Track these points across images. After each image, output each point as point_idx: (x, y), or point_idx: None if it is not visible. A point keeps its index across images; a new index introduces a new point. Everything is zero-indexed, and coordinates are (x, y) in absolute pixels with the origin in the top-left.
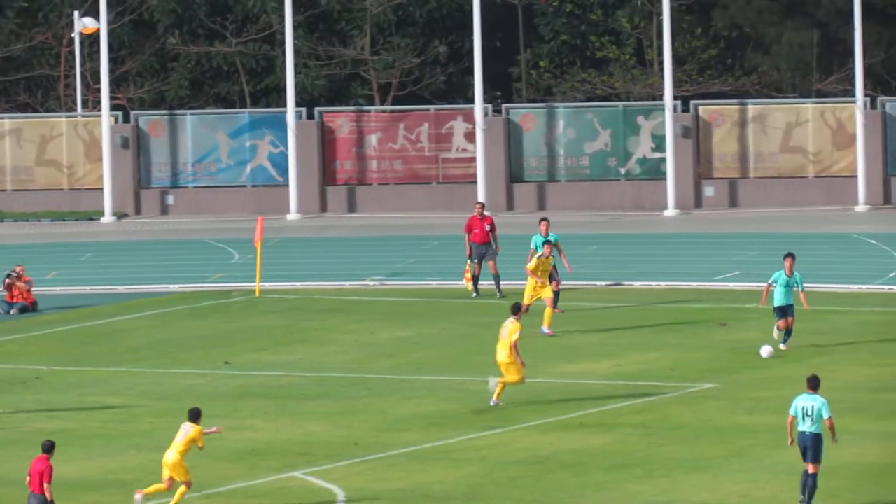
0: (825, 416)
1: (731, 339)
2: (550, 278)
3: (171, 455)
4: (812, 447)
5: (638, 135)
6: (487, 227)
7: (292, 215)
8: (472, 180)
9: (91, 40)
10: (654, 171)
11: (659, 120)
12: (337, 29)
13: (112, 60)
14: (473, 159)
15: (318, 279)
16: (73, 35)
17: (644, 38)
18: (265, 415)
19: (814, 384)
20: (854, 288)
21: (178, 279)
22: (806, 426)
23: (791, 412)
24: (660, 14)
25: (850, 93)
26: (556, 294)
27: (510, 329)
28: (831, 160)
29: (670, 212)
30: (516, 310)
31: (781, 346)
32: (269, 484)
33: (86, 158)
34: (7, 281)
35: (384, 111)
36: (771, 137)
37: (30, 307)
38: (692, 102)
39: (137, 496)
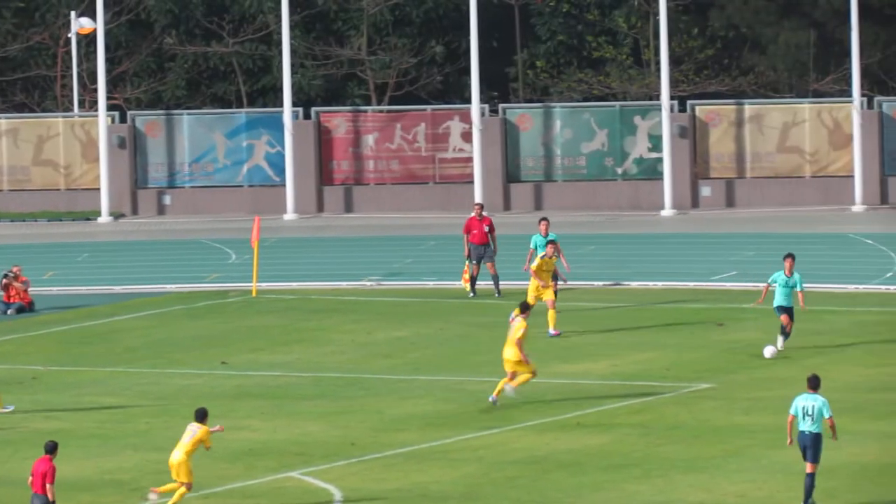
0: (826, 415)
1: (728, 339)
2: (554, 278)
3: (178, 455)
4: (812, 447)
5: (635, 135)
6: (486, 229)
7: (289, 215)
8: (469, 180)
9: (88, 40)
10: (650, 172)
11: (656, 120)
12: (333, 29)
13: (109, 60)
14: (470, 159)
15: (314, 279)
16: (69, 35)
17: (641, 38)
18: (262, 415)
19: (814, 384)
20: (851, 288)
21: (175, 279)
22: (806, 426)
23: (791, 412)
24: (656, 14)
25: (846, 93)
26: (555, 294)
27: (515, 327)
28: (828, 160)
29: (667, 212)
30: (524, 308)
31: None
32: (266, 484)
33: (82, 158)
34: (4, 281)
35: (381, 111)
36: (768, 137)
37: (27, 307)
38: (689, 102)
39: (152, 495)
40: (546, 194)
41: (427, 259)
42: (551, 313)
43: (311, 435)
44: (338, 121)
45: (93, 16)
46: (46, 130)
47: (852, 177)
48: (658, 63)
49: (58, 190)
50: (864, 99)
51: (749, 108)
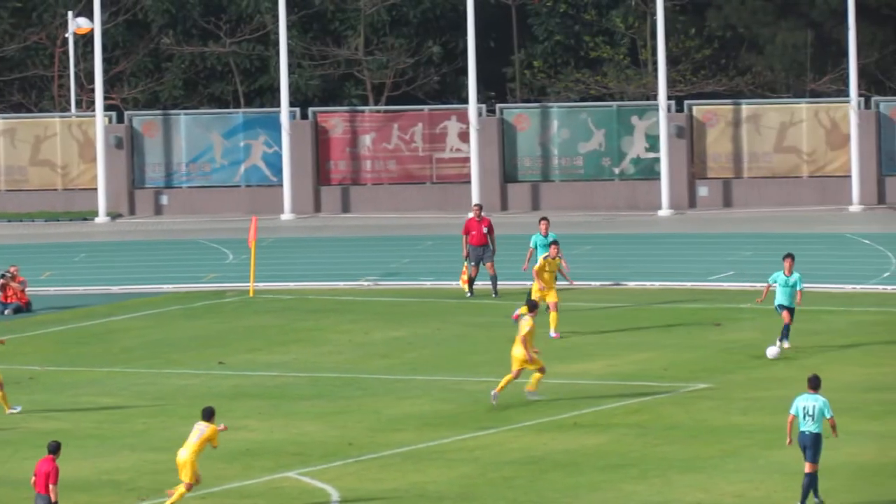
0: (827, 415)
1: (726, 339)
2: (557, 279)
3: (184, 454)
4: (812, 446)
5: (632, 135)
6: (485, 230)
7: (286, 215)
8: (466, 180)
9: (85, 40)
10: (648, 171)
11: (653, 120)
12: (331, 29)
13: (106, 60)
14: (467, 159)
15: (312, 279)
16: (66, 35)
17: (638, 38)
18: (259, 415)
19: (815, 384)
20: (848, 288)
21: (173, 279)
22: (807, 426)
23: (792, 412)
24: (654, 14)
25: (843, 93)
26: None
27: (522, 324)
28: (825, 160)
29: (664, 212)
30: (532, 307)
31: (779, 342)
32: (264, 484)
33: (80, 159)
34: (1, 281)
35: (378, 111)
36: (765, 137)
37: (24, 307)
38: (686, 102)
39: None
40: (543, 194)
41: (424, 259)
42: (553, 315)
43: (308, 435)
44: (335, 121)
45: (90, 16)
46: (43, 130)
47: (849, 177)
48: (655, 63)
49: (55, 190)
50: (862, 99)
51: (746, 108)
